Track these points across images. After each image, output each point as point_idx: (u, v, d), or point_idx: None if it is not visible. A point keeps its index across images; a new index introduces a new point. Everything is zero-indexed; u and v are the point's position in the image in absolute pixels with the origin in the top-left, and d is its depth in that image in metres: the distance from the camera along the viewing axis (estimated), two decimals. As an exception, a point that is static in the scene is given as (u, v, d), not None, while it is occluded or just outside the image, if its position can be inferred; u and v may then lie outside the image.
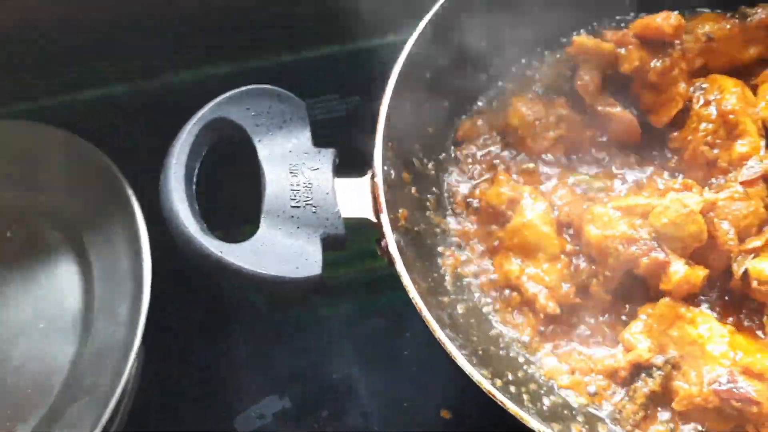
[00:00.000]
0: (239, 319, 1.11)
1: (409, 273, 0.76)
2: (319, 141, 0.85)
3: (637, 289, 0.86)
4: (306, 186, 0.76)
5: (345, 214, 0.77)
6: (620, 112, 0.93)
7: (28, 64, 1.23)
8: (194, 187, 0.74)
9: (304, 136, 0.80)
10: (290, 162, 0.78)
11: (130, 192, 1.01)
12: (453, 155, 0.98)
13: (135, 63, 1.25)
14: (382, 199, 0.78)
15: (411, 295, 0.74)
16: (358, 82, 1.23)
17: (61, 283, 1.06)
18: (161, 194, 0.72)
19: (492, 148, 0.98)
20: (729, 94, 0.90)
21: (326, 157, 0.79)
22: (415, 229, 0.90)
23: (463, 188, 0.96)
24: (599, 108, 0.94)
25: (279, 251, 0.72)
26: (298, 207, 0.75)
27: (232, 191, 0.94)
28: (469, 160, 0.97)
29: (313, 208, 0.75)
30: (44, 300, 1.05)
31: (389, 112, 0.85)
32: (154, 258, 0.97)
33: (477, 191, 0.95)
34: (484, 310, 0.88)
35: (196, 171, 0.76)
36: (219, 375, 1.06)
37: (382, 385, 1.02)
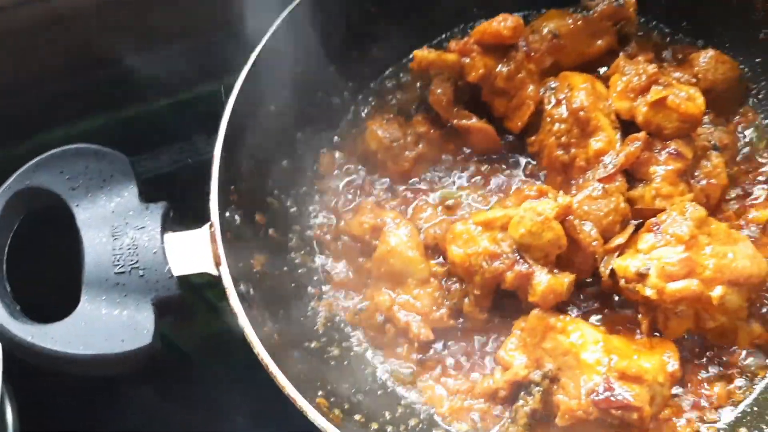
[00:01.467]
0: (116, 382, 1.03)
1: (257, 326, 0.71)
2: (158, 195, 0.79)
3: (510, 305, 0.82)
4: (130, 248, 0.70)
5: (178, 272, 0.72)
6: (476, 123, 0.90)
7: None
8: (4, 266, 0.67)
9: (130, 193, 0.75)
10: (112, 224, 0.72)
11: None
12: (314, 188, 0.94)
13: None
14: (220, 250, 0.73)
15: (256, 350, 0.69)
16: (188, 133, 1.17)
17: None
18: (-37, 280, 0.65)
19: (354, 176, 0.94)
20: (578, 90, 0.87)
21: (155, 213, 0.74)
22: (276, 273, 0.85)
23: (326, 221, 0.91)
24: (455, 121, 0.91)
25: (102, 326, 0.66)
26: (122, 273, 0.69)
27: (50, 263, 0.88)
28: (331, 193, 0.93)
29: (140, 272, 0.70)
30: None
31: (225, 156, 0.80)
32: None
33: (341, 224, 0.90)
34: (357, 349, 0.84)
35: (6, 248, 0.69)
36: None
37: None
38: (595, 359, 0.74)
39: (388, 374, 0.82)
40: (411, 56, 0.95)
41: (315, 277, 0.89)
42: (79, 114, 1.09)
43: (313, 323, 0.85)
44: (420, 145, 0.92)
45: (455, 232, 0.82)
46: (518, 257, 0.78)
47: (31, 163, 0.73)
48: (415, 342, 0.82)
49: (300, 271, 0.89)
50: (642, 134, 0.83)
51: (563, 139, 0.87)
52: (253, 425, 0.97)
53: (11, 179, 0.71)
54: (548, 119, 0.88)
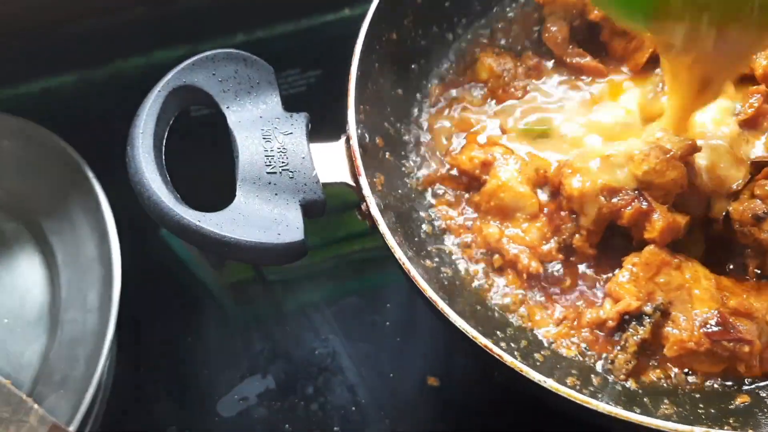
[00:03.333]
0: (214, 301, 1.08)
1: (393, 233, 0.73)
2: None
3: (619, 241, 0.85)
4: (280, 151, 0.73)
5: (323, 179, 0.74)
6: (590, 62, 0.92)
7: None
8: (163, 155, 0.70)
9: (274, 101, 0.77)
10: (262, 127, 0.75)
11: (90, 174, 0.98)
12: (426, 116, 0.96)
13: (85, 49, 1.21)
14: (359, 161, 0.76)
15: (397, 255, 0.72)
16: (319, 57, 1.21)
17: (24, 275, 1.02)
18: (129, 166, 0.68)
19: (465, 104, 0.96)
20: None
21: (299, 122, 0.76)
22: (392, 194, 0.88)
23: (437, 153, 0.94)
24: (568, 60, 0.93)
25: (258, 219, 0.69)
26: (274, 173, 0.72)
27: (203, 159, 0.91)
28: (442, 123, 0.95)
29: (290, 174, 0.72)
30: (6, 294, 1.01)
31: (359, 75, 0.83)
32: (121, 241, 0.94)
33: (448, 158, 0.92)
34: (468, 271, 0.87)
35: (164, 140, 0.72)
36: (196, 360, 1.03)
37: (366, 358, 1.01)
38: (708, 295, 0.77)
39: (496, 300, 0.85)
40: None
41: (425, 203, 0.91)
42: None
43: (424, 245, 0.88)
44: (530, 77, 0.94)
45: (574, 166, 0.84)
46: (638, 194, 0.81)
47: (187, 62, 0.75)
48: (524, 273, 0.84)
49: (412, 195, 0.91)
50: (762, 87, 0.85)
51: None
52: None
53: (169, 76, 0.74)
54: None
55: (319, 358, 1.02)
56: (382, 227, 0.73)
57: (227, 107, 0.75)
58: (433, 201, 0.91)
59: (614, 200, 0.80)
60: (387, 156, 0.90)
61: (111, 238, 0.93)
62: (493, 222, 0.87)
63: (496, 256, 0.86)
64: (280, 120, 0.76)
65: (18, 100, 1.22)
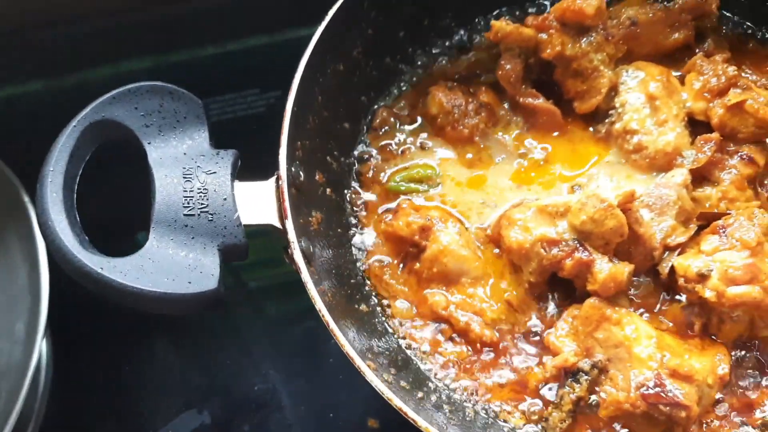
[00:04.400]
0: (150, 330, 1.05)
1: (316, 283, 0.70)
2: (227, 141, 0.79)
3: (559, 290, 0.82)
4: (201, 191, 0.70)
5: (246, 220, 0.71)
6: (543, 104, 0.89)
7: None
8: (74, 195, 0.67)
9: (201, 137, 0.74)
10: (184, 165, 0.71)
11: (26, 199, 0.95)
12: (372, 151, 0.93)
13: (51, 57, 1.18)
14: (287, 204, 0.73)
15: (317, 307, 0.69)
16: (280, 76, 1.18)
17: None
18: (36, 206, 0.65)
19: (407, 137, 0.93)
20: (654, 80, 0.86)
21: (225, 159, 0.73)
22: (330, 233, 0.85)
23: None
24: (522, 99, 0.90)
25: (170, 265, 0.66)
26: (192, 215, 0.69)
27: (120, 198, 0.88)
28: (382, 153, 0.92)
29: (210, 216, 0.69)
30: None
31: (295, 111, 0.79)
32: (54, 269, 0.91)
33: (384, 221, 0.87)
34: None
35: (77, 178, 0.68)
36: (132, 392, 1.00)
37: (306, 395, 0.98)
38: (647, 354, 0.74)
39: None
40: (475, 25, 0.96)
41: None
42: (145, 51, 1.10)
43: (361, 286, 0.85)
44: (482, 114, 0.91)
45: (511, 219, 0.81)
46: (578, 245, 0.78)
47: (107, 95, 0.72)
48: (477, 343, 0.80)
49: (351, 232, 0.88)
50: (715, 135, 0.82)
51: (633, 126, 0.85)
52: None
53: (87, 110, 0.71)
54: (620, 106, 0.87)
55: (257, 394, 0.99)
56: (304, 276, 0.70)
57: (149, 143, 0.72)
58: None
59: (554, 251, 0.77)
60: (328, 192, 0.87)
61: (41, 268, 0.90)
62: (436, 289, 0.83)
63: (444, 326, 0.82)
64: (205, 158, 0.73)
65: None
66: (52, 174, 0.66)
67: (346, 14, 0.86)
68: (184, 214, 0.69)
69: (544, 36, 0.88)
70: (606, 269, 0.76)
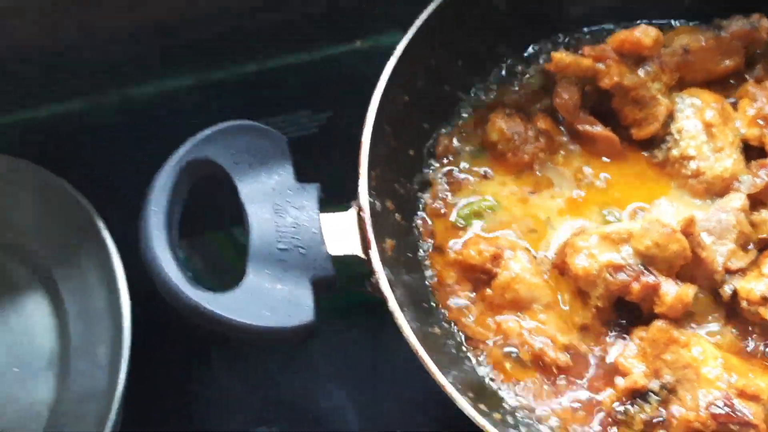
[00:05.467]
0: (215, 348, 1.08)
1: (403, 312, 0.74)
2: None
3: (624, 313, 0.85)
4: (292, 226, 0.73)
5: (333, 252, 0.75)
6: (602, 131, 0.92)
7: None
8: (174, 232, 0.71)
9: (287, 172, 0.77)
10: (274, 201, 0.75)
11: (101, 225, 0.97)
12: (437, 176, 0.96)
13: (93, 76, 1.21)
14: (371, 235, 0.76)
15: (405, 334, 0.72)
16: (329, 97, 1.21)
17: (33, 323, 1.01)
18: (141, 244, 0.68)
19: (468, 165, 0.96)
20: (709, 108, 0.90)
21: (310, 194, 0.77)
22: (402, 258, 0.88)
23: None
24: (580, 127, 0.93)
25: (268, 299, 0.70)
26: (285, 249, 0.72)
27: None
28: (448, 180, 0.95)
29: (302, 250, 0.73)
30: (16, 342, 1.00)
31: (371, 142, 0.83)
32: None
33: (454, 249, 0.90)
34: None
35: (176, 216, 0.72)
36: (200, 411, 1.03)
37: (372, 413, 1.00)
38: (715, 375, 0.77)
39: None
40: (530, 53, 1.00)
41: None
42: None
43: (433, 310, 0.88)
44: (541, 140, 0.94)
45: (576, 246, 0.84)
46: (644, 269, 0.81)
47: (201, 135, 0.76)
48: (552, 367, 0.82)
49: (420, 256, 0.91)
50: None
51: (691, 152, 0.89)
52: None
53: (184, 149, 0.74)
54: (677, 133, 0.90)
55: (324, 412, 1.02)
56: (392, 305, 0.73)
57: (239, 180, 0.75)
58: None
59: (620, 276, 0.81)
60: (397, 218, 0.90)
61: (121, 293, 0.92)
62: (509, 315, 0.85)
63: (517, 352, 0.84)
64: (292, 192, 0.76)
65: (23, 125, 1.22)
66: (155, 212, 0.70)
67: (415, 49, 0.89)
68: (278, 249, 0.72)
69: (601, 66, 0.91)
70: (673, 291, 0.79)
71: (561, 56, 0.91)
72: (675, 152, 0.90)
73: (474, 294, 0.87)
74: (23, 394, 0.96)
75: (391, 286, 0.76)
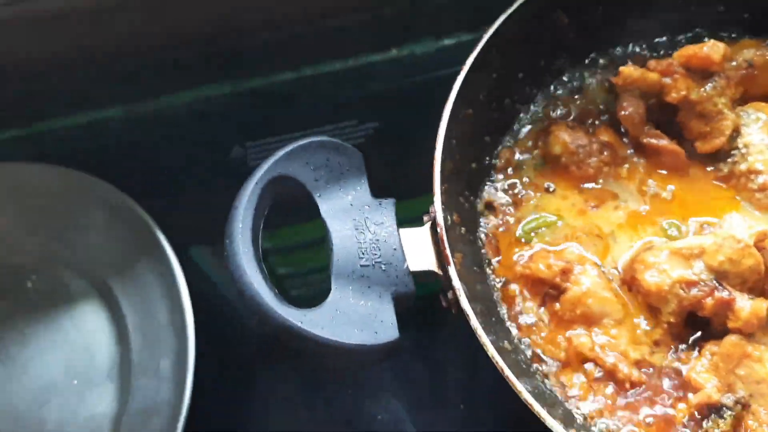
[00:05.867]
0: (269, 362, 1.08)
1: (485, 329, 0.74)
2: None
3: (696, 328, 0.85)
4: (373, 242, 0.74)
5: (413, 268, 0.75)
6: (668, 144, 0.93)
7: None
8: (260, 250, 0.71)
9: (363, 188, 0.78)
10: (353, 217, 0.75)
11: (162, 238, 0.98)
12: (495, 189, 0.96)
13: (133, 86, 1.22)
14: (448, 252, 0.76)
15: (490, 354, 0.72)
16: (374, 107, 1.21)
17: (93, 336, 1.02)
18: (231, 264, 0.69)
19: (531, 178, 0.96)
20: (776, 121, 0.90)
21: (388, 209, 0.77)
22: (470, 273, 0.88)
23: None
24: (646, 140, 0.93)
25: (355, 316, 0.70)
26: (367, 266, 0.73)
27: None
28: (510, 194, 0.95)
29: (383, 266, 0.73)
30: (75, 355, 1.00)
31: (442, 158, 0.83)
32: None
33: (521, 263, 0.90)
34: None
35: (260, 233, 0.72)
36: (255, 425, 1.03)
37: (432, 426, 1.00)
38: (789, 391, 0.78)
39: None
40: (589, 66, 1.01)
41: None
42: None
43: (502, 324, 0.88)
44: (605, 153, 0.94)
45: (647, 262, 0.84)
46: (717, 284, 0.81)
47: (282, 152, 0.76)
48: (626, 383, 0.82)
49: (486, 269, 0.91)
50: None
51: (758, 166, 0.89)
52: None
53: (266, 166, 0.74)
54: (743, 147, 0.91)
55: (381, 424, 1.01)
56: (474, 322, 0.73)
57: (319, 195, 0.76)
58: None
59: (693, 292, 0.81)
60: (463, 231, 0.90)
61: (185, 307, 0.93)
62: (581, 330, 0.85)
63: (590, 367, 0.84)
64: (370, 208, 0.77)
65: (65, 133, 1.23)
66: (242, 230, 0.70)
67: (480, 62, 0.90)
68: (361, 265, 0.72)
69: (668, 80, 0.91)
70: (748, 307, 0.79)
71: (629, 70, 0.92)
72: (742, 167, 0.90)
73: (542, 309, 0.87)
74: (82, 408, 0.97)
75: (473, 304, 0.76)
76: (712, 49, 0.90)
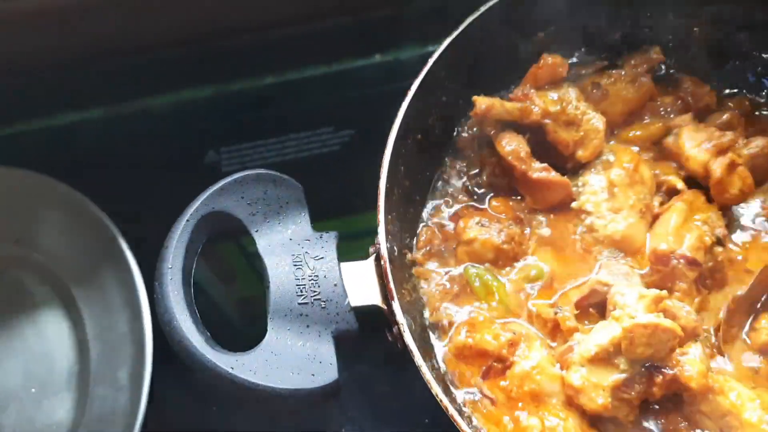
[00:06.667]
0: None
1: (427, 365, 0.71)
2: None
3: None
4: (312, 279, 0.71)
5: (354, 303, 0.72)
6: (556, 177, 0.87)
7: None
8: (192, 290, 0.68)
9: (303, 221, 0.75)
10: (292, 252, 0.72)
11: (124, 245, 0.94)
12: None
13: (114, 87, 1.18)
14: (392, 285, 0.73)
15: (434, 392, 0.69)
16: (352, 114, 1.18)
17: (52, 343, 0.98)
18: (158, 305, 0.66)
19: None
20: (619, 168, 0.89)
21: (329, 243, 0.74)
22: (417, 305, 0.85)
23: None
24: (535, 175, 0.87)
25: (291, 357, 0.67)
26: (305, 303, 0.70)
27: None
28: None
29: (322, 303, 0.70)
30: (34, 362, 0.97)
31: (388, 186, 0.80)
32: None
33: (459, 336, 0.82)
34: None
35: (192, 272, 0.70)
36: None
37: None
38: (757, 418, 0.74)
39: None
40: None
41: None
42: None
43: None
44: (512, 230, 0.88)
45: (575, 387, 0.76)
46: (652, 370, 0.75)
47: (215, 187, 0.73)
48: None
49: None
50: None
51: (588, 207, 0.87)
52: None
53: (198, 203, 0.72)
54: (582, 185, 0.88)
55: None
56: (417, 359, 0.70)
57: (256, 231, 0.73)
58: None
59: (637, 388, 0.75)
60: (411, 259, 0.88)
61: (144, 317, 0.88)
62: (527, 413, 0.77)
63: None
64: (310, 242, 0.74)
65: (44, 133, 1.19)
66: (171, 271, 0.67)
67: (428, 86, 0.87)
68: (299, 303, 0.70)
69: (527, 103, 0.88)
70: (694, 370, 0.74)
71: (482, 99, 0.87)
72: (574, 204, 0.87)
73: (483, 380, 0.80)
74: (40, 416, 0.93)
75: (417, 341, 0.73)
76: (550, 58, 0.89)
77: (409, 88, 0.85)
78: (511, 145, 0.88)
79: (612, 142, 0.93)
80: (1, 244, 1.02)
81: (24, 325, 0.99)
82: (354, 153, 1.13)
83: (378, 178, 0.79)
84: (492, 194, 0.92)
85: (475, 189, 0.93)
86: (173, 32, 1.13)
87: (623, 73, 0.95)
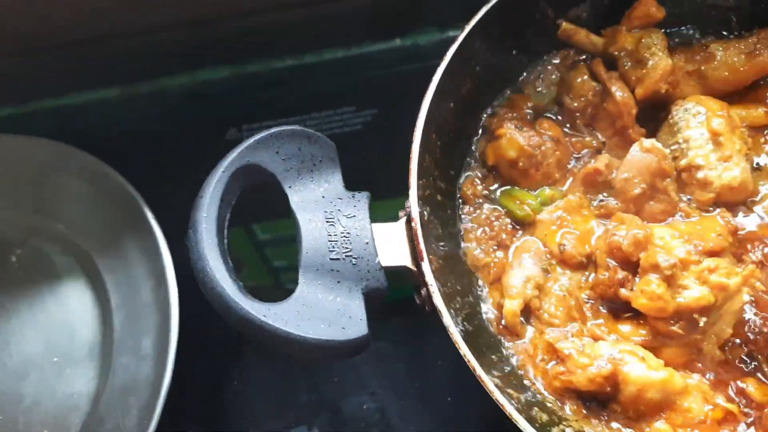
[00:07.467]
0: (256, 346, 1.06)
1: (456, 326, 0.72)
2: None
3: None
4: (344, 236, 0.72)
5: (385, 263, 0.73)
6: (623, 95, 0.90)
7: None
8: (225, 240, 0.70)
9: (336, 180, 0.76)
10: (325, 209, 0.73)
11: (149, 214, 0.94)
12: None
13: (130, 67, 1.20)
14: (422, 246, 0.74)
15: (462, 352, 0.70)
16: (373, 95, 1.19)
17: (75, 313, 0.99)
18: (192, 251, 0.67)
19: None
20: (716, 117, 0.88)
21: (361, 202, 0.75)
22: (449, 270, 0.85)
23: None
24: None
25: (322, 310, 0.68)
26: (337, 259, 0.71)
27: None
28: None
29: (353, 260, 0.71)
30: (56, 331, 0.98)
31: (420, 150, 0.81)
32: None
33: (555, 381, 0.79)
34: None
35: (226, 223, 0.71)
36: (239, 408, 1.01)
37: (416, 415, 0.98)
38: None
39: None
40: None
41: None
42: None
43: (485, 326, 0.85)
44: (557, 151, 0.91)
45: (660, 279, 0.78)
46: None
47: (251, 140, 0.74)
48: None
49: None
50: None
51: (699, 161, 0.87)
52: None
53: (233, 155, 0.73)
54: (683, 142, 0.88)
55: (366, 413, 0.99)
56: (446, 320, 0.71)
57: (289, 186, 0.74)
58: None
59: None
60: (440, 229, 0.88)
61: (170, 285, 0.89)
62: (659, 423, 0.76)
63: None
64: (343, 201, 0.75)
65: (61, 111, 1.21)
66: (206, 219, 0.68)
67: (462, 54, 0.87)
68: (330, 259, 0.71)
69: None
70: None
71: (568, 25, 0.92)
72: (683, 162, 0.87)
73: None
74: (61, 385, 0.94)
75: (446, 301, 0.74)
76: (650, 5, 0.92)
77: (434, 67, 0.85)
78: (621, 98, 0.90)
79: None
80: (21, 214, 1.03)
81: (46, 295, 1.00)
82: (377, 132, 1.14)
83: (410, 148, 0.79)
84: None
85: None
86: (190, 12, 1.12)
87: (742, 44, 0.92)
